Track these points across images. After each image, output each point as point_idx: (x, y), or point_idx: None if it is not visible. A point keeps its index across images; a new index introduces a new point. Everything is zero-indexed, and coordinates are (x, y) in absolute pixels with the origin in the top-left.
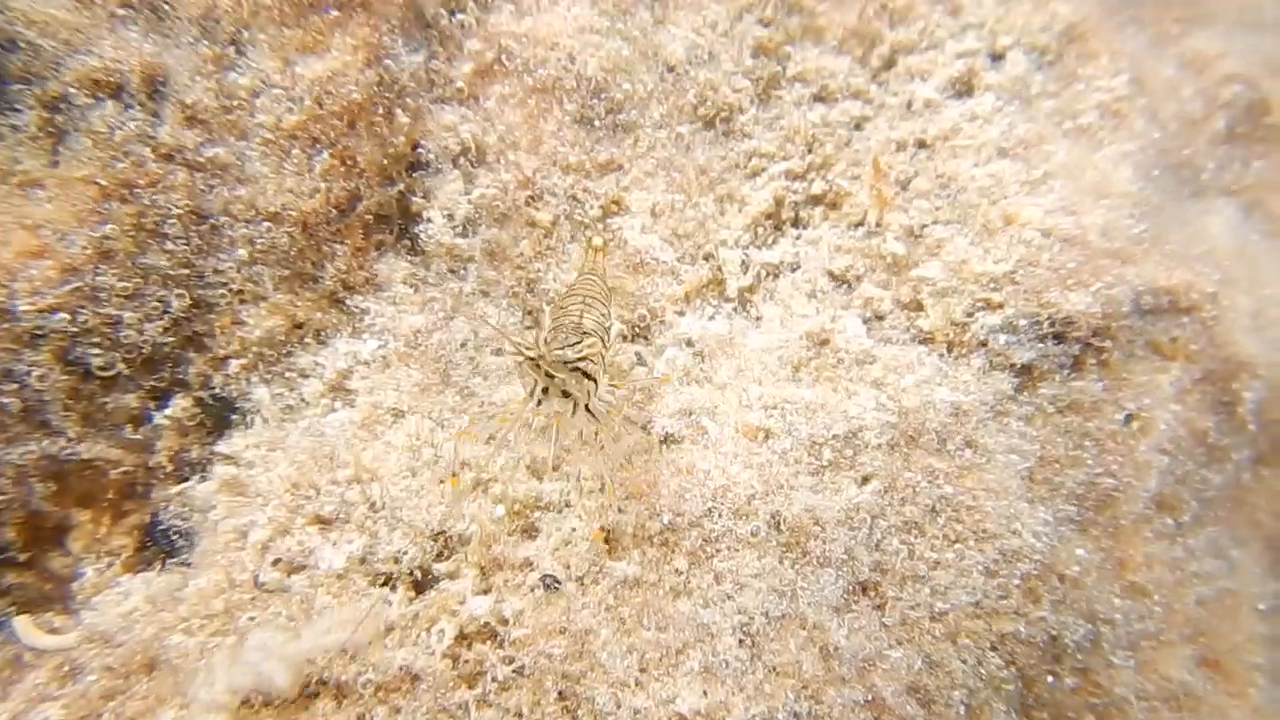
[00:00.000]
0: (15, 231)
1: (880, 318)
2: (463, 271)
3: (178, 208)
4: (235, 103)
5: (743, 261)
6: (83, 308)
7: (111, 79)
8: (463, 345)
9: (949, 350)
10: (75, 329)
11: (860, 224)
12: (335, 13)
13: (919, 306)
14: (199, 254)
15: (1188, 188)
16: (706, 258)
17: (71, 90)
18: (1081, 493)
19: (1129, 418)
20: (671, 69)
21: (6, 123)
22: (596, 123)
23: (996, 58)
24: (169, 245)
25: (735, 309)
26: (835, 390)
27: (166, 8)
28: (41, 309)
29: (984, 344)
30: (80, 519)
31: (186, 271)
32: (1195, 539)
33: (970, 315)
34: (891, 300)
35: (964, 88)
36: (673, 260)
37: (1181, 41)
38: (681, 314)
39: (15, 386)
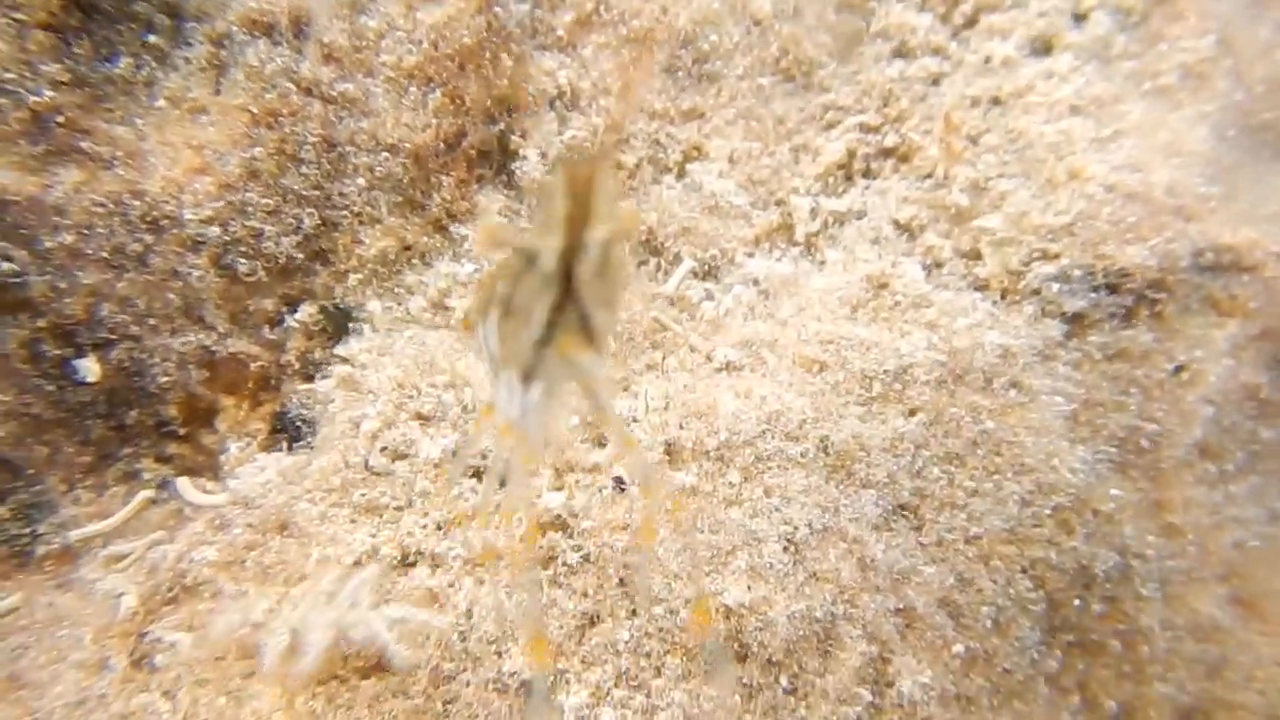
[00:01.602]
0: (184, 151)
1: (940, 265)
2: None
3: (313, 136)
4: (365, 43)
5: (812, 209)
6: (233, 220)
7: (265, 19)
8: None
9: (1003, 297)
10: (227, 238)
11: (929, 176)
12: None
13: (977, 255)
14: (328, 178)
15: (1270, 149)
16: (778, 203)
17: (234, 28)
18: (1124, 436)
19: (1179, 368)
20: (758, 23)
21: (181, 55)
22: (682, 72)
23: (1080, 18)
24: (304, 169)
25: (802, 252)
26: (890, 330)
27: None
28: (203, 219)
29: (1037, 292)
30: (226, 404)
31: (317, 193)
32: (1238, 486)
33: (1026, 265)
34: (951, 249)
35: (1043, 46)
36: (746, 205)
37: None
38: (751, 255)
39: (180, 284)
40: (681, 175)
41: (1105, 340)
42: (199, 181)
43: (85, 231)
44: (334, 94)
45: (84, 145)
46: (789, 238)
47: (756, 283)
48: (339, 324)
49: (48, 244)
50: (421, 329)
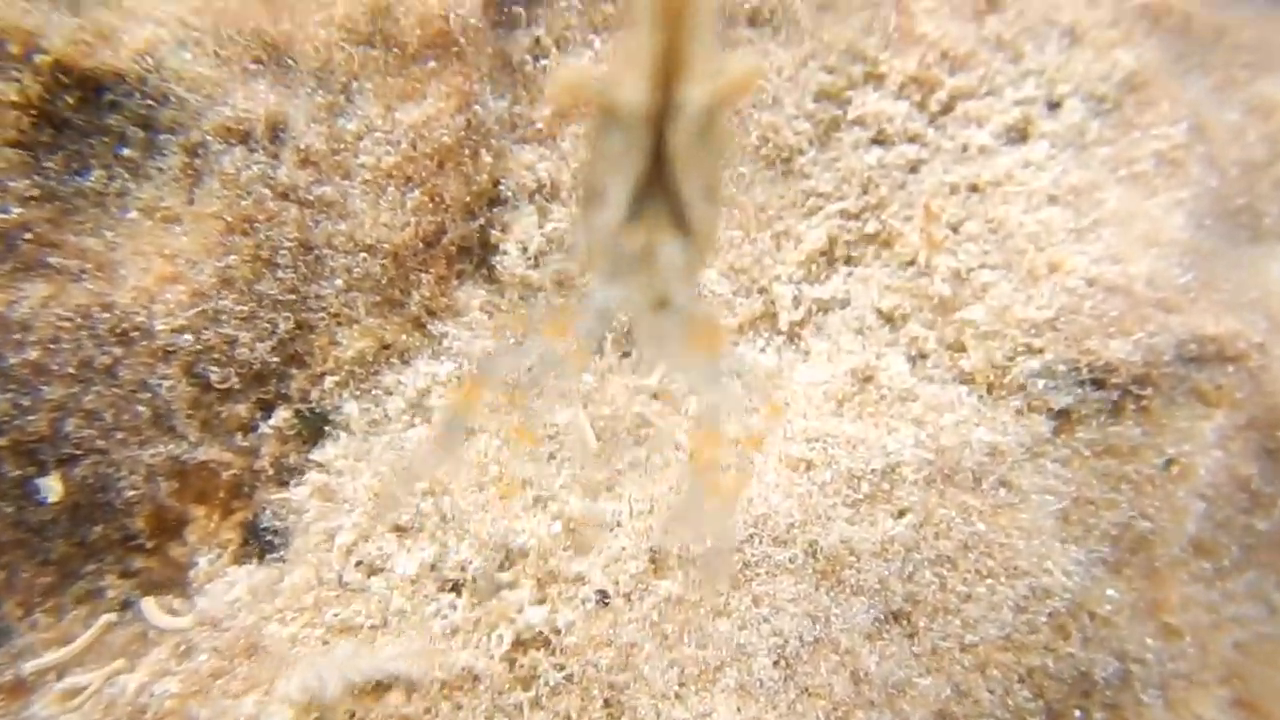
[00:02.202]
0: (156, 260)
1: (924, 356)
2: (533, 299)
3: (289, 240)
4: (343, 146)
5: (794, 296)
6: (207, 328)
7: (241, 127)
8: (529, 369)
9: (989, 391)
10: (200, 346)
11: (911, 264)
12: (433, 63)
13: (962, 347)
14: (304, 281)
15: (1246, 233)
16: (761, 291)
17: (209, 137)
18: (1116, 534)
19: (1168, 463)
20: (736, 112)
21: (155, 165)
22: None
23: (1053, 105)
24: (280, 274)
25: (785, 342)
26: (876, 426)
27: (290, 61)
28: (174, 329)
29: (1023, 387)
30: (196, 514)
31: (293, 297)
32: (1234, 583)
33: (1011, 359)
34: (936, 340)
35: (1019, 135)
36: (729, 293)
37: (1249, 87)
38: (735, 344)
39: (149, 396)
40: None
41: (1093, 436)
42: (171, 291)
43: (51, 346)
44: (311, 198)
45: (52, 259)
46: (773, 326)
47: (740, 375)
48: (315, 428)
49: (11, 361)
50: (400, 431)
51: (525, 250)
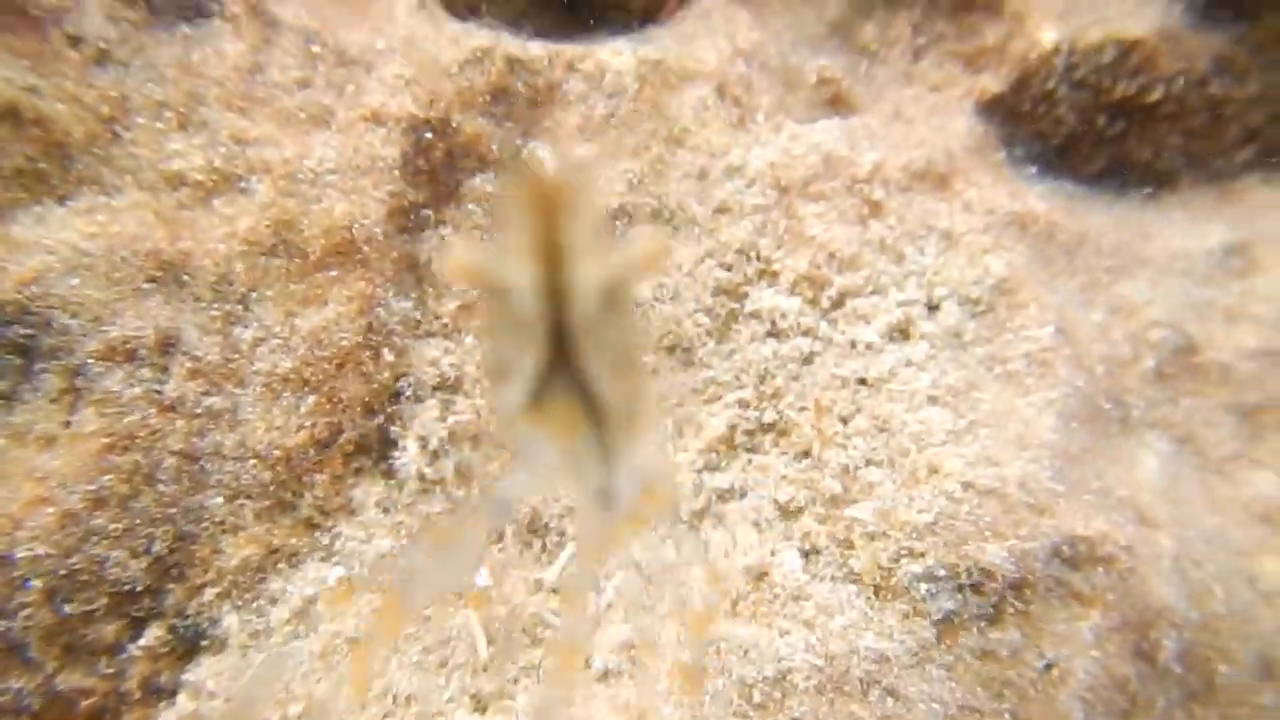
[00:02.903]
0: (24, 484)
1: (817, 552)
2: (433, 492)
3: (172, 454)
4: (238, 355)
5: (695, 485)
6: (75, 550)
7: (128, 346)
8: (424, 571)
9: (876, 594)
10: (64, 571)
11: (806, 454)
12: (335, 271)
13: (851, 545)
14: (186, 493)
15: (1115, 426)
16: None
17: (90, 361)
18: None
19: (1049, 666)
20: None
21: (29, 387)
22: None
23: (933, 307)
24: (160, 488)
25: (685, 531)
26: (770, 628)
27: (187, 278)
28: (36, 556)
29: (907, 590)
30: None
31: (173, 510)
32: None
33: (895, 561)
34: (827, 536)
35: (902, 333)
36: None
37: (1111, 289)
38: (630, 539)
39: (4, 627)
40: None
41: (976, 643)
42: (37, 516)
43: None
44: (199, 409)
45: None
46: (673, 516)
47: (640, 568)
48: (190, 643)
49: None
50: (281, 644)
51: (425, 445)
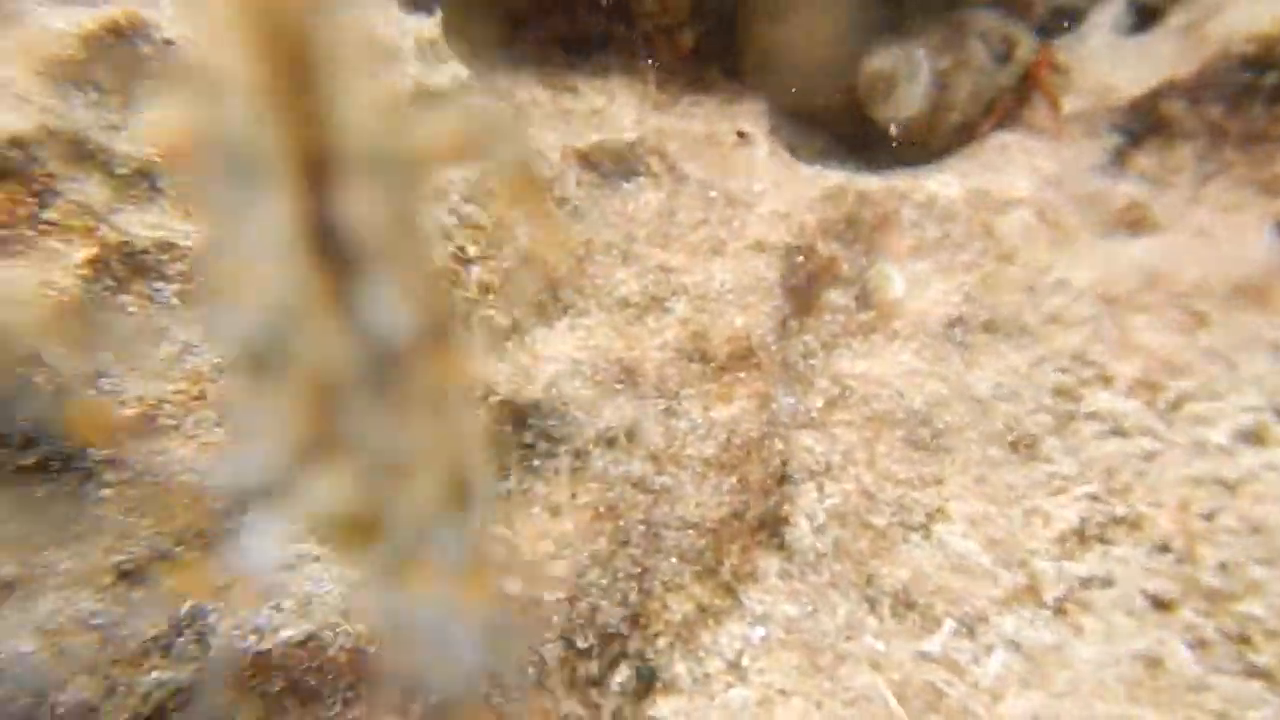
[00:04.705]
0: (538, 543)
1: (1206, 645)
2: (819, 565)
3: (638, 523)
4: (676, 442)
5: (1055, 572)
6: (578, 599)
7: (610, 435)
8: (828, 633)
9: None
10: (573, 615)
11: (1165, 549)
12: (740, 374)
13: (1247, 640)
14: (646, 556)
15: None
16: (1020, 564)
17: (589, 447)
18: None
19: None
20: (980, 402)
21: (549, 467)
22: (921, 445)
23: None
24: (630, 550)
25: (1053, 616)
26: (1175, 714)
27: (639, 380)
28: (556, 600)
29: None
30: None
31: (638, 569)
32: None
33: None
34: (1215, 630)
35: (1257, 439)
36: (990, 564)
37: None
38: (1001, 615)
39: (537, 658)
40: (928, 535)
41: None
42: (554, 568)
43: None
44: (655, 487)
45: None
46: (1037, 600)
47: (1018, 647)
48: (647, 683)
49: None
50: (722, 691)
51: (811, 523)
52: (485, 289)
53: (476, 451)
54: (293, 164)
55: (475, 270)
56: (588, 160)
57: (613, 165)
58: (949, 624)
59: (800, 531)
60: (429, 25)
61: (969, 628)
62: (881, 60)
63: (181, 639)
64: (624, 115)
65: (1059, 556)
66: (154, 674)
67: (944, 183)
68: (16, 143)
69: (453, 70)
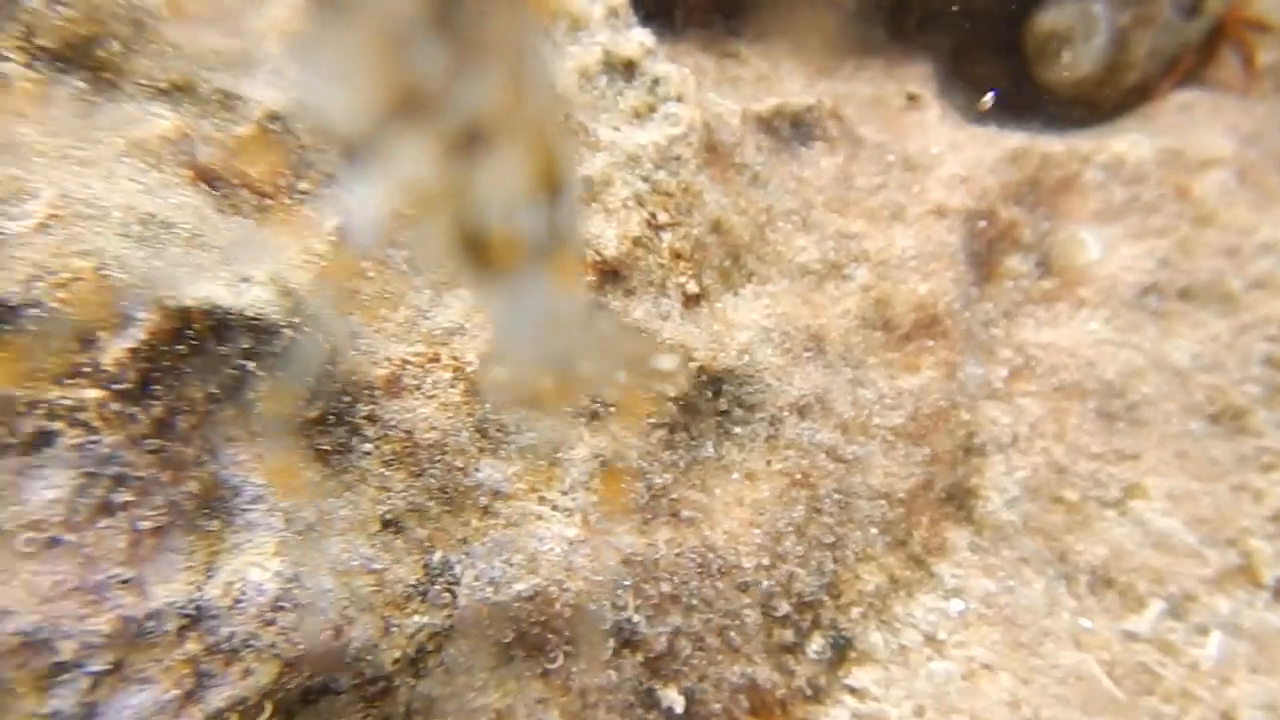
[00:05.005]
0: (734, 509)
1: None
2: (1010, 539)
3: (830, 491)
4: (865, 412)
5: (1273, 551)
6: (775, 565)
7: (804, 403)
8: (1028, 609)
9: None
10: (768, 581)
11: None
12: (927, 341)
13: None
14: (839, 525)
15: None
16: (1231, 543)
17: (785, 413)
18: None
19: None
20: (1178, 373)
21: (745, 433)
22: (1114, 418)
23: None
24: (824, 519)
25: (1272, 598)
26: None
27: (827, 348)
28: (755, 566)
29: None
30: None
31: (831, 538)
32: None
33: None
34: None
35: None
36: (1196, 543)
37: None
38: (1214, 596)
39: (737, 623)
40: (1124, 511)
41: None
42: (750, 534)
43: (674, 580)
44: (846, 455)
45: (678, 510)
46: (1255, 581)
47: (1238, 630)
48: (841, 653)
49: (651, 593)
50: (922, 662)
51: (1001, 495)
52: (676, 255)
53: (559, 132)
54: None
55: (666, 237)
56: (768, 125)
57: (791, 129)
58: (1157, 604)
59: (991, 505)
60: None
61: (1178, 608)
62: (1055, 17)
63: (436, 587)
64: (792, 80)
65: (1275, 535)
66: (415, 617)
67: (1133, 142)
68: (274, 117)
69: (639, 36)
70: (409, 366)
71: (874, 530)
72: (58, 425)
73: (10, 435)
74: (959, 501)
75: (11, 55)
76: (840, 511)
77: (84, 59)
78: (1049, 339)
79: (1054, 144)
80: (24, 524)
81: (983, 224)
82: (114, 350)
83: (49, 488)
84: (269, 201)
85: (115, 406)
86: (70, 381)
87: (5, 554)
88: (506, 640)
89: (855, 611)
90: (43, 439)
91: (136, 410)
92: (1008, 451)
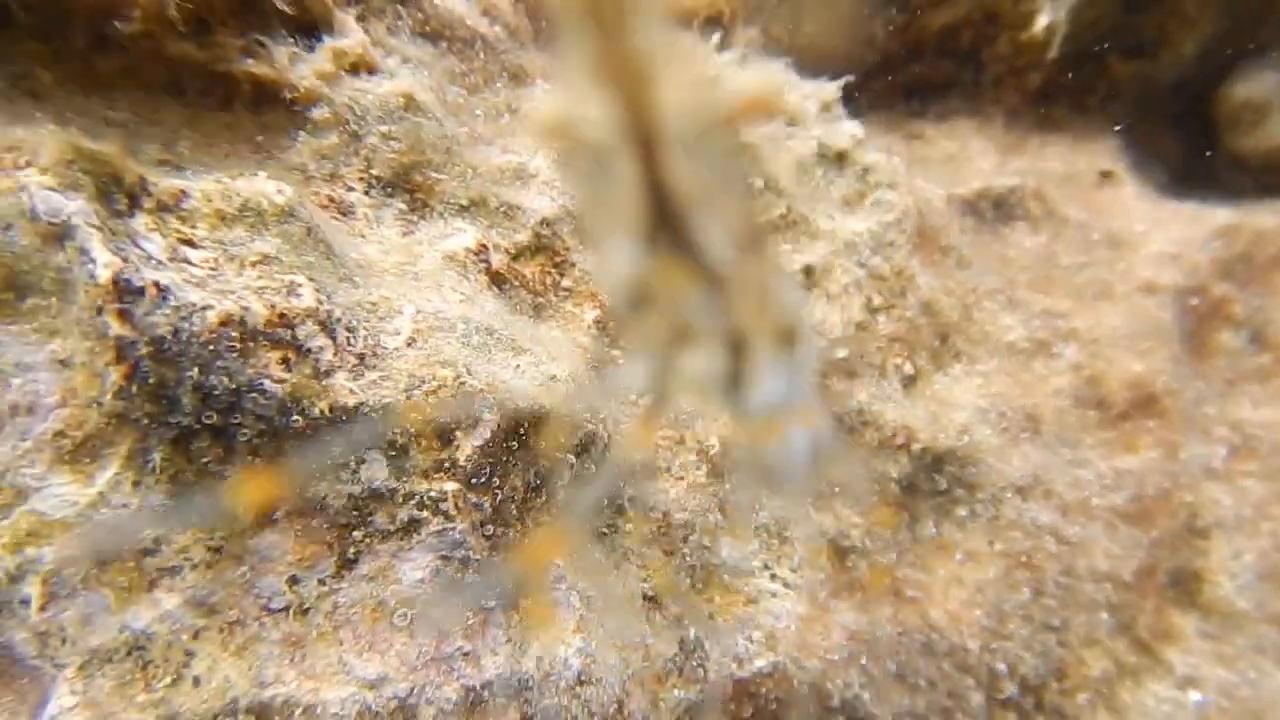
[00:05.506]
0: (951, 588)
1: None
2: (1240, 626)
3: (1051, 573)
4: (1085, 492)
5: None
6: (993, 646)
7: (1020, 484)
8: (1273, 703)
9: None
10: (995, 663)
11: None
12: (1146, 421)
13: None
14: (1063, 607)
15: None
16: None
17: (1006, 493)
18: None
19: None
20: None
21: (964, 512)
22: None
23: None
24: (1045, 601)
25: None
26: None
27: (1042, 428)
28: (980, 646)
29: None
30: None
31: (1054, 621)
32: None
33: None
34: None
35: None
36: None
37: None
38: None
39: (960, 704)
40: None
41: None
42: (972, 614)
43: (899, 658)
44: (1068, 537)
45: (900, 589)
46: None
47: None
48: None
49: (875, 671)
50: None
51: (1231, 580)
52: (893, 338)
53: (793, 313)
54: (632, 142)
55: (882, 320)
56: (972, 206)
57: (994, 210)
58: None
59: (1221, 589)
60: (830, 89)
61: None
62: (1251, 87)
63: (691, 662)
64: (983, 159)
65: None
66: (675, 691)
67: None
68: (547, 223)
69: (849, 128)
70: (660, 449)
71: (1101, 614)
72: (425, 514)
73: (391, 523)
74: (1184, 586)
75: (355, 186)
76: (1064, 594)
77: (405, 183)
78: (1268, 417)
79: (1265, 219)
80: (400, 600)
81: (1194, 301)
82: (467, 447)
83: (417, 569)
84: (540, 300)
85: (471, 497)
86: (437, 475)
87: (384, 626)
88: (745, 716)
89: (1081, 697)
90: (413, 525)
91: (485, 500)
92: (1231, 534)
